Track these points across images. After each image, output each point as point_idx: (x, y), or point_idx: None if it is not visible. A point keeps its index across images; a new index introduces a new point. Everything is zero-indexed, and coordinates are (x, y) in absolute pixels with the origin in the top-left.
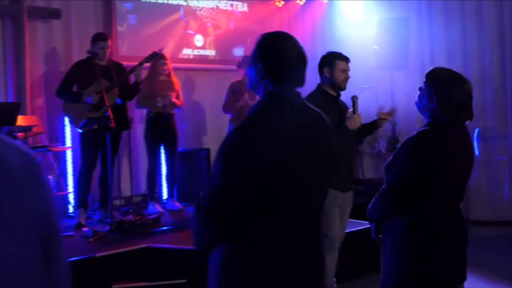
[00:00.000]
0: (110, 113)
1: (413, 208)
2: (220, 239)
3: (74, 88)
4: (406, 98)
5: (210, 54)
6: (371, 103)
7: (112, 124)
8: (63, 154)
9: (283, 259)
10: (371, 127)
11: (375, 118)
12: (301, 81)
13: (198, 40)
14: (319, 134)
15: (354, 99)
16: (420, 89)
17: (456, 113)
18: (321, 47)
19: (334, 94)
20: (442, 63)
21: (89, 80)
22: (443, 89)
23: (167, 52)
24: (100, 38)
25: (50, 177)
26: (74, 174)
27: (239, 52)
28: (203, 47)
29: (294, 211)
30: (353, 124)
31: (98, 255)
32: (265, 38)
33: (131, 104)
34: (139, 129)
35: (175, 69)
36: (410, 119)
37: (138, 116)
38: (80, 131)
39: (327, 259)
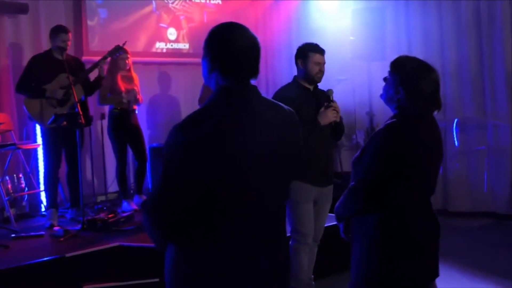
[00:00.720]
0: (79, 108)
1: (384, 205)
2: (168, 240)
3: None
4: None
5: (184, 47)
6: (348, 95)
7: (82, 120)
8: (34, 151)
9: (233, 264)
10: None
11: (352, 110)
12: (253, 72)
13: (171, 33)
14: (277, 129)
15: (329, 92)
16: (385, 79)
17: (424, 104)
18: (297, 39)
19: (310, 87)
20: (419, 53)
21: (49, 75)
22: (410, 79)
23: (139, 46)
24: (61, 30)
25: (20, 175)
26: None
27: None
28: (176, 41)
29: (246, 213)
30: (324, 118)
31: (68, 255)
32: (213, 29)
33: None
34: (99, 125)
35: (149, 63)
36: (388, 110)
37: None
38: (43, 128)
39: (299, 255)
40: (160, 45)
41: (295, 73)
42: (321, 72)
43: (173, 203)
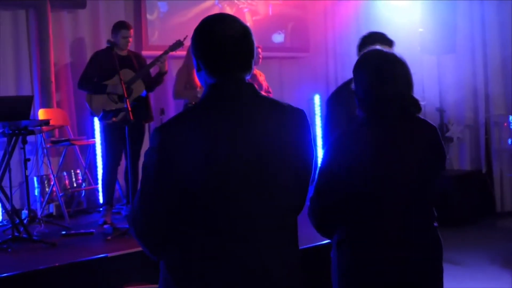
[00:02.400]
0: (128, 105)
1: (341, 225)
2: (155, 251)
3: (95, 80)
4: (454, 84)
5: None
6: (417, 90)
7: (131, 116)
8: (91, 147)
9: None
10: None
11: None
12: (245, 67)
13: None
14: (274, 132)
15: None
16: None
17: (380, 107)
18: (366, 31)
19: None
20: (495, 46)
21: (109, 70)
22: (359, 80)
23: None
24: (123, 26)
25: (78, 171)
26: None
27: (279, 38)
28: None
29: (240, 225)
30: None
31: (110, 255)
32: (199, 23)
33: (159, 95)
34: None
35: None
36: (459, 106)
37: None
38: (102, 124)
39: None
40: None
41: None
42: None
43: (151, 214)
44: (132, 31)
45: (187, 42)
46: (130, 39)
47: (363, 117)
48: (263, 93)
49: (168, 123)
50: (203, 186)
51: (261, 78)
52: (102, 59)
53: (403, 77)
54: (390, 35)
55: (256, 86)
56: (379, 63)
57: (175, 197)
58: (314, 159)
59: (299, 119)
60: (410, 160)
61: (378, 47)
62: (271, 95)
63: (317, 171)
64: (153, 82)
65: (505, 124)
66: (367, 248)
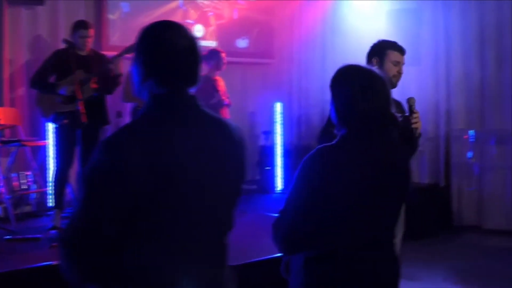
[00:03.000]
0: (81, 107)
1: (312, 244)
2: (90, 278)
3: (52, 79)
4: (418, 96)
5: (211, 45)
6: None
7: (83, 119)
8: (43, 148)
9: None
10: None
11: None
12: (193, 79)
13: (198, 30)
14: (216, 146)
15: (410, 101)
16: None
17: (361, 123)
18: (331, 39)
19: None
20: (458, 58)
21: (67, 70)
22: (339, 96)
23: None
24: (80, 26)
25: (28, 173)
26: None
27: (243, 43)
28: (203, 38)
29: (184, 239)
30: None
31: (54, 263)
32: (146, 28)
33: (115, 97)
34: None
35: None
36: (422, 117)
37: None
38: (53, 125)
39: None
40: None
41: (329, 72)
42: (400, 74)
43: (96, 234)
44: (91, 30)
45: None
46: (89, 39)
47: (343, 133)
48: (226, 99)
49: (116, 136)
50: (149, 200)
51: (221, 83)
52: (59, 59)
53: (384, 93)
54: (357, 44)
55: (220, 92)
56: (362, 78)
57: (123, 214)
58: (245, 178)
59: (237, 136)
60: (388, 177)
61: (358, 63)
62: (230, 101)
63: (290, 191)
64: (109, 84)
65: (465, 136)
66: (339, 264)
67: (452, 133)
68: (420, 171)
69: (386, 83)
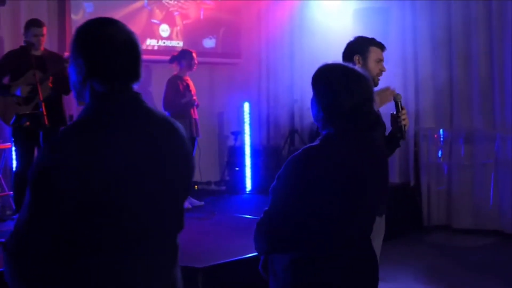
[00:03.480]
0: (43, 108)
1: (295, 244)
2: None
3: (6, 81)
4: None
5: (178, 45)
6: None
7: (45, 121)
8: (8, 151)
9: None
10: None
11: None
12: (134, 75)
13: (164, 30)
14: (160, 144)
15: (397, 98)
16: None
17: (344, 122)
18: (299, 39)
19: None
20: (426, 57)
21: (22, 71)
22: (324, 94)
23: None
24: (33, 24)
25: None
26: None
27: (210, 43)
28: (169, 38)
29: (130, 245)
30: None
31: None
32: (82, 25)
33: (67, 100)
34: None
35: None
36: (390, 118)
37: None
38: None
39: None
40: (151, 42)
41: (297, 72)
42: (382, 72)
43: (40, 241)
44: (45, 29)
45: None
46: (43, 38)
47: (327, 132)
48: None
49: (60, 138)
50: (101, 202)
51: (191, 83)
52: (13, 59)
53: (368, 91)
54: (325, 43)
55: (193, 91)
56: (345, 76)
57: (69, 219)
58: (191, 175)
59: (181, 133)
60: (373, 176)
61: (337, 61)
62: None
63: (273, 191)
64: (65, 84)
65: (436, 136)
66: (326, 264)
67: (421, 132)
68: (390, 170)
69: (369, 81)
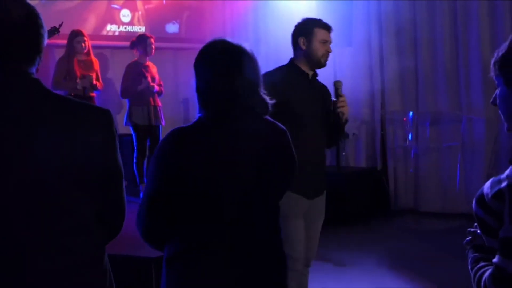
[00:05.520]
0: None
1: (168, 236)
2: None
3: None
4: (350, 79)
5: (139, 30)
6: None
7: None
8: None
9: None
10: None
11: None
12: (29, 57)
13: (125, 15)
14: (61, 135)
15: (337, 85)
16: None
17: (221, 106)
18: (264, 22)
19: (309, 72)
20: (391, 39)
21: None
22: (199, 73)
23: (88, 28)
24: None
25: None
26: None
27: (173, 28)
28: (130, 23)
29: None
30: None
31: None
32: None
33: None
34: None
35: (98, 46)
36: (356, 100)
37: None
38: None
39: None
40: (112, 28)
41: (262, 57)
42: (328, 53)
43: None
44: None
45: (66, 30)
46: None
47: (203, 115)
48: (156, 86)
49: None
50: None
51: (154, 70)
52: None
53: (251, 73)
54: (287, 26)
55: (149, 78)
56: (224, 55)
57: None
58: (114, 165)
59: (100, 118)
60: (249, 162)
61: (226, 39)
62: (162, 89)
63: (148, 172)
64: None
65: (404, 119)
66: (201, 263)
67: (387, 116)
68: (357, 155)
69: (255, 62)
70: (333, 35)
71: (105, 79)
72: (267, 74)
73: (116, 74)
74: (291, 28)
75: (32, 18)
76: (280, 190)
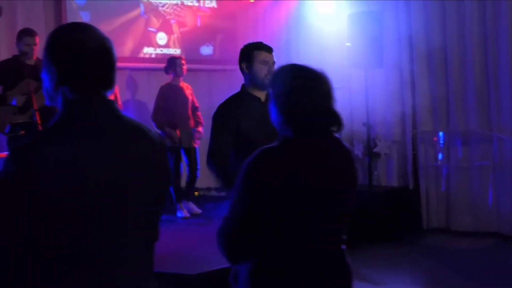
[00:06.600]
0: (37, 117)
1: (254, 253)
2: None
3: (0, 90)
4: (382, 98)
5: (175, 52)
6: (344, 104)
7: (40, 129)
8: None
9: None
10: None
11: (348, 120)
12: (106, 82)
13: (161, 38)
14: (133, 152)
15: None
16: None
17: (303, 123)
18: (296, 42)
19: (260, 95)
20: (421, 61)
21: (15, 80)
22: (282, 96)
23: (126, 51)
24: (25, 33)
25: None
26: None
27: (207, 50)
28: (166, 46)
29: (103, 258)
30: None
31: None
32: (54, 31)
33: None
34: None
35: (135, 69)
36: (387, 120)
37: None
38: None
39: None
40: (148, 50)
41: None
42: (270, 73)
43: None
44: (37, 38)
45: None
46: (35, 47)
47: (286, 134)
48: (189, 107)
49: (25, 145)
50: (68, 211)
51: (188, 91)
52: (8, 68)
53: (326, 90)
54: (320, 48)
55: (189, 99)
56: (302, 75)
57: (36, 231)
58: (168, 188)
59: (157, 142)
60: (334, 180)
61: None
62: (198, 110)
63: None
64: None
65: (435, 138)
66: (287, 275)
67: (418, 135)
68: (388, 174)
69: (327, 79)
70: (364, 56)
71: (142, 101)
72: (222, 105)
73: (153, 96)
74: (323, 49)
75: (105, 48)
76: (350, 205)
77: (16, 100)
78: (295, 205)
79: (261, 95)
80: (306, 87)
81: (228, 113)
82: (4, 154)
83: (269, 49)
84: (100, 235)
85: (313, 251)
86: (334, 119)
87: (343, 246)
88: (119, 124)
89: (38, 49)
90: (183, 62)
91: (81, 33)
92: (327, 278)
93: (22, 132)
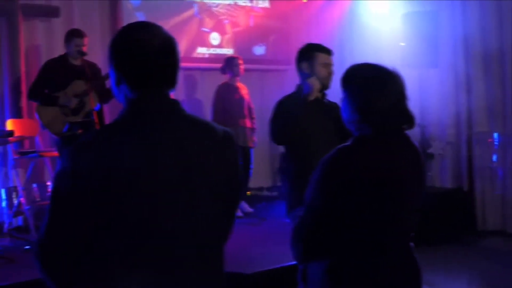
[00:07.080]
0: (95, 116)
1: (331, 251)
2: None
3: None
4: (436, 98)
5: (228, 52)
6: None
7: (98, 128)
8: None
9: None
10: None
11: None
12: (169, 80)
13: (214, 38)
14: (196, 150)
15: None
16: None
17: (381, 121)
18: (349, 43)
19: (317, 94)
20: (477, 61)
21: (63, 81)
22: (359, 95)
23: (180, 51)
24: (75, 34)
25: (48, 183)
26: None
27: (260, 50)
28: (219, 46)
29: (162, 256)
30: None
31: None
32: (118, 31)
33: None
34: None
35: (188, 68)
36: (442, 121)
37: None
38: (56, 137)
39: None
40: (202, 50)
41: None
42: (330, 75)
43: (61, 247)
44: (86, 39)
45: None
46: (84, 48)
47: (362, 133)
48: (245, 107)
49: (82, 143)
50: (120, 212)
51: (244, 91)
52: (54, 69)
53: (402, 90)
54: (374, 48)
55: (245, 99)
56: (379, 74)
57: (87, 226)
58: (238, 185)
59: (225, 139)
60: (410, 178)
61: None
62: (253, 111)
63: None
64: (105, 95)
65: (489, 140)
66: (364, 272)
67: (473, 136)
68: (443, 175)
69: (402, 78)
70: (418, 56)
71: (194, 100)
72: (281, 102)
73: (205, 96)
74: (377, 49)
75: (172, 46)
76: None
77: (70, 101)
78: (372, 203)
79: (318, 94)
80: (383, 86)
81: (288, 110)
82: (55, 153)
83: (330, 52)
84: (164, 234)
85: (385, 248)
86: (408, 118)
87: (411, 244)
88: (183, 122)
89: (86, 50)
90: (240, 62)
91: (141, 32)
92: (398, 275)
93: (80, 130)
